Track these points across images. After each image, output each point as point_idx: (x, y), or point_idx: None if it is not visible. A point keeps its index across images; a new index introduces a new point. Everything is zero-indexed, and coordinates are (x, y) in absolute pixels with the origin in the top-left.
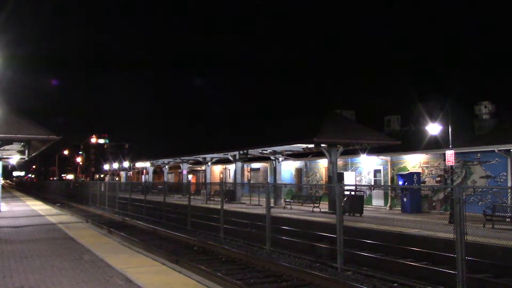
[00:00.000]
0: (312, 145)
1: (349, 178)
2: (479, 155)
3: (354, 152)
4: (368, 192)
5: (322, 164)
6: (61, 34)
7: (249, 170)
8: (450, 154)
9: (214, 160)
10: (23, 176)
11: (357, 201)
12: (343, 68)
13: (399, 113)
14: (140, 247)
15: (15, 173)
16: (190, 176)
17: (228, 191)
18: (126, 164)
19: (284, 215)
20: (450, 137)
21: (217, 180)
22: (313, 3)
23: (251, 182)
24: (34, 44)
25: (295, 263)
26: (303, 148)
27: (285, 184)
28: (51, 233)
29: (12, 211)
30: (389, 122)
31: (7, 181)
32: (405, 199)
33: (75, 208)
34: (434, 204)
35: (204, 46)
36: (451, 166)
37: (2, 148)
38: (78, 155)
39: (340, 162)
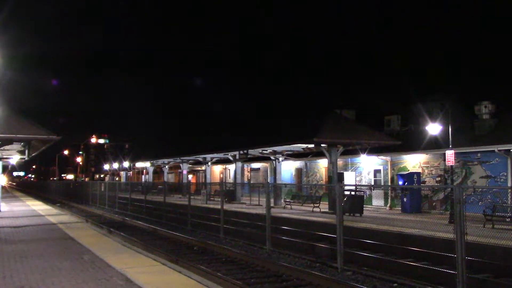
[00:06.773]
0: (312, 145)
1: (349, 178)
2: (479, 155)
3: (354, 152)
4: (368, 192)
5: (322, 164)
6: (61, 34)
7: (249, 170)
8: (450, 154)
9: (214, 160)
10: (23, 176)
11: (357, 201)
12: (343, 68)
13: (399, 113)
14: (140, 247)
15: (15, 173)
16: (190, 176)
17: (228, 191)
18: (126, 164)
19: (284, 215)
20: (450, 137)
21: (217, 180)
22: (313, 2)
23: (251, 182)
24: (34, 44)
25: (295, 263)
26: (303, 148)
27: (285, 184)
28: (51, 233)
29: (12, 211)
30: (389, 122)
31: (9, 182)
32: (405, 199)
33: (75, 208)
34: (434, 204)
35: (203, 46)
36: (451, 166)
37: (2, 148)
38: (78, 155)
39: (340, 162)
